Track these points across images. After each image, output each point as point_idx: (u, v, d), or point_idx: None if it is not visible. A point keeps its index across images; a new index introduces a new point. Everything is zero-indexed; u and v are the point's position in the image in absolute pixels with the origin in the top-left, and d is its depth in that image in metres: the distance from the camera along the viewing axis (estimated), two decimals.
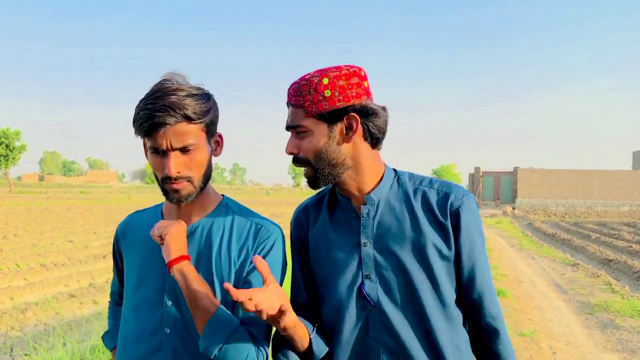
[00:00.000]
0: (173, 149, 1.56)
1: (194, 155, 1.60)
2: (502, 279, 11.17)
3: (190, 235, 1.71)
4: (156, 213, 1.83)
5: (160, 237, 1.61)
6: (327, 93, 1.57)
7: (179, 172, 1.58)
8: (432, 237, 1.63)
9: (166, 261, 1.58)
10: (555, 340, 6.91)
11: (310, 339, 1.66)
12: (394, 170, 1.77)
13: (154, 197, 61.81)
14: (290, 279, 1.88)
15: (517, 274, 12.19)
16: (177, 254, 1.58)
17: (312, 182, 1.67)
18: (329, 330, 1.74)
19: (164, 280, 1.69)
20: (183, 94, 1.56)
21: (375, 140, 1.66)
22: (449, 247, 1.64)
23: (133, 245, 1.82)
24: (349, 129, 1.62)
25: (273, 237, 1.73)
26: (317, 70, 1.62)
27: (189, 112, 1.54)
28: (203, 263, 1.69)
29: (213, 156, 1.73)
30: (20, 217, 26.80)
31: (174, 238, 1.60)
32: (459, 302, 1.69)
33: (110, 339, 2.03)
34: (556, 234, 21.91)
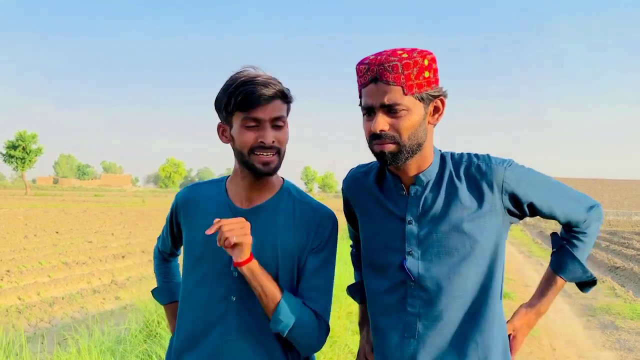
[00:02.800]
0: (269, 121, 1.71)
1: (283, 131, 1.76)
2: (509, 282, 11.49)
3: (254, 214, 1.82)
4: (220, 190, 1.92)
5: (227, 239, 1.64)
6: (427, 74, 1.62)
7: (273, 142, 1.72)
8: (475, 213, 1.69)
9: (236, 261, 1.68)
10: (556, 338, 7.24)
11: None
12: (440, 151, 1.82)
13: (168, 200, 62.42)
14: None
15: (524, 279, 12.50)
16: (247, 255, 1.67)
17: (392, 157, 1.66)
18: (369, 298, 1.86)
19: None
20: (274, 80, 1.73)
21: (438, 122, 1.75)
22: (493, 219, 1.70)
23: (195, 218, 1.90)
24: (436, 111, 1.70)
25: (330, 227, 1.86)
26: (409, 50, 1.63)
27: (284, 92, 1.73)
28: (268, 244, 1.79)
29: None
30: (38, 218, 27.39)
31: (248, 244, 1.67)
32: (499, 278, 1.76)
33: (162, 293, 2.21)
34: None
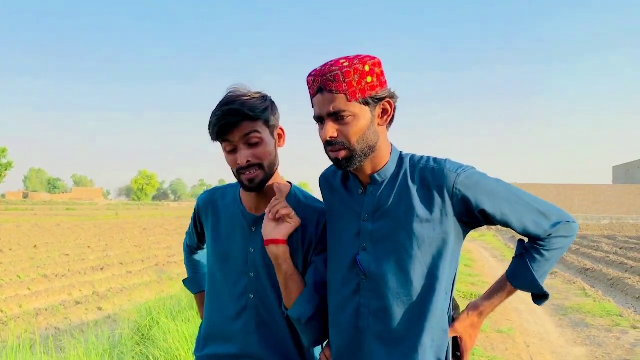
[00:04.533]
0: (240, 142, 1.85)
1: (260, 146, 1.87)
2: (484, 285, 11.79)
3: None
4: (235, 198, 2.10)
5: (276, 216, 1.88)
6: (369, 79, 1.70)
7: (249, 161, 1.85)
8: (423, 215, 1.75)
9: (272, 237, 1.88)
10: (530, 336, 7.54)
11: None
12: (400, 152, 1.89)
13: (141, 213, 61.99)
14: None
15: None
16: (284, 236, 1.88)
17: (348, 162, 1.75)
18: (330, 292, 1.93)
19: (247, 256, 2.00)
20: (243, 99, 1.85)
21: (391, 123, 1.83)
22: (443, 221, 1.75)
23: (215, 220, 2.12)
24: (384, 113, 1.78)
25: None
26: (349, 58, 1.72)
27: (250, 111, 1.83)
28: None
29: (278, 147, 1.99)
30: (11, 232, 27.12)
31: (293, 225, 1.90)
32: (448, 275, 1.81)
33: (192, 284, 2.48)
34: None
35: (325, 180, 2.04)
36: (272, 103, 1.96)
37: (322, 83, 1.70)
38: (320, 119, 1.76)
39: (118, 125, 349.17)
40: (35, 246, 19.56)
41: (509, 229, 1.97)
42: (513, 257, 1.88)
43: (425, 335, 1.76)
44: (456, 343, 1.88)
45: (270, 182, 1.96)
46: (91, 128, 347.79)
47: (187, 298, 7.14)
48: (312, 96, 1.76)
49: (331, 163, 1.89)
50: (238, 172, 1.90)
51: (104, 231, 29.59)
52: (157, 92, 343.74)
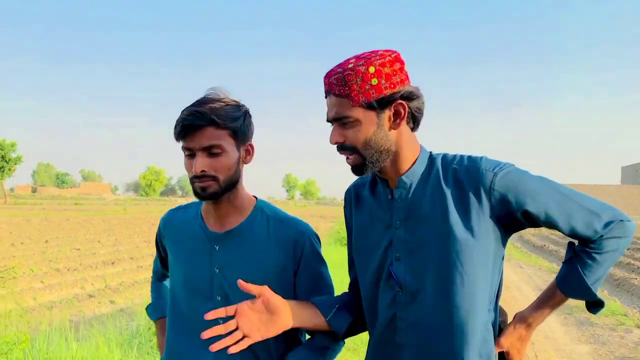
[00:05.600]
0: (199, 149, 1.70)
1: (220, 157, 1.72)
2: None
3: (227, 238, 1.83)
4: (196, 215, 1.94)
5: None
6: (374, 81, 1.56)
7: (203, 170, 1.70)
8: (460, 218, 1.60)
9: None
10: (535, 334, 7.65)
11: (328, 323, 1.77)
12: (430, 152, 1.75)
13: (149, 209, 62.32)
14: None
15: (505, 281, 12.93)
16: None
17: (359, 170, 1.66)
18: (366, 309, 1.81)
19: (212, 277, 1.82)
20: (215, 104, 1.71)
21: (416, 123, 1.68)
22: (481, 225, 1.60)
23: (175, 241, 1.95)
24: (397, 115, 1.61)
25: (307, 243, 1.86)
26: (358, 57, 1.60)
27: (217, 117, 1.69)
28: (246, 266, 1.80)
29: (243, 163, 1.83)
30: (22, 227, 27.39)
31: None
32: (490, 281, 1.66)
33: (154, 310, 2.24)
34: (545, 245, 22.60)
35: (354, 193, 1.89)
36: (247, 115, 1.82)
37: (328, 85, 1.62)
38: (330, 122, 1.68)
39: (126, 121, 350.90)
40: (46, 241, 19.79)
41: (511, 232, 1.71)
42: (563, 262, 1.72)
43: (470, 350, 1.62)
44: (502, 358, 1.74)
45: (232, 198, 1.84)
46: (100, 123, 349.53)
47: None
48: (325, 98, 1.68)
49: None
50: (192, 179, 1.76)
51: (113, 226, 29.86)
52: (166, 88, 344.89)
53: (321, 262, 1.91)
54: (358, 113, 1.58)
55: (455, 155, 1.70)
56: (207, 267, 1.84)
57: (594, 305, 1.70)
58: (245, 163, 1.84)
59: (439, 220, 1.61)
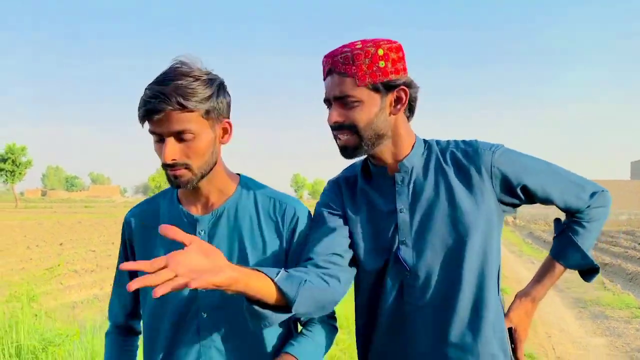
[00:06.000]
0: (168, 135, 1.50)
1: (192, 143, 1.52)
2: (503, 279, 12.01)
3: (214, 219, 1.66)
4: (172, 200, 1.73)
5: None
6: (382, 64, 1.58)
7: (174, 159, 1.52)
8: (466, 197, 1.65)
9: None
10: (551, 327, 7.77)
11: (276, 286, 1.42)
12: (423, 139, 1.78)
13: None
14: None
15: (517, 276, 13.03)
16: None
17: (351, 151, 1.66)
18: (366, 299, 1.78)
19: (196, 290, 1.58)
20: (183, 81, 1.48)
21: (412, 112, 1.72)
22: (485, 203, 1.65)
23: (151, 237, 1.69)
24: (398, 101, 1.64)
25: (297, 213, 1.71)
26: (364, 40, 1.61)
27: (184, 99, 1.47)
28: (236, 249, 1.64)
29: (220, 144, 1.64)
30: (34, 230, 27.63)
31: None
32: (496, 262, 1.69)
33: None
34: None
35: (344, 184, 1.84)
36: (221, 88, 1.60)
37: (332, 64, 1.61)
38: (328, 102, 1.66)
39: (136, 123, 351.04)
40: (61, 243, 20.00)
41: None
42: (554, 238, 1.84)
43: (485, 326, 1.64)
44: (510, 334, 1.76)
45: (212, 177, 1.64)
46: (108, 126, 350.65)
47: None
48: (324, 79, 1.67)
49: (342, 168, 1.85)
50: (163, 166, 1.56)
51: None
52: None
53: None
54: (362, 93, 1.59)
55: (448, 140, 1.77)
56: None
57: (590, 272, 1.82)
58: (223, 143, 1.66)
59: (444, 201, 1.65)
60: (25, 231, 26.53)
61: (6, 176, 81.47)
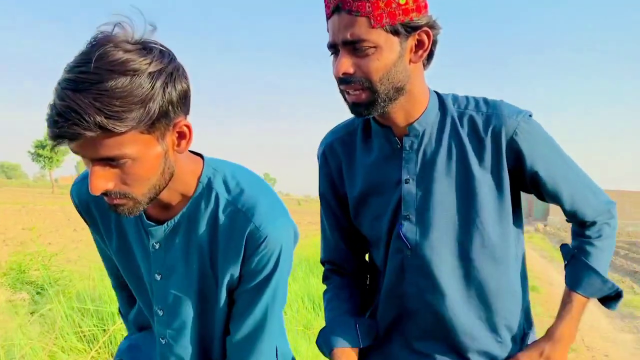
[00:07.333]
0: (93, 161, 1.10)
1: (130, 168, 1.12)
2: (535, 280, 12.38)
3: (172, 230, 1.34)
4: None
5: None
6: (402, 0, 1.28)
7: (108, 188, 1.13)
8: (481, 171, 1.43)
9: None
10: (580, 324, 8.15)
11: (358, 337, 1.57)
12: (437, 93, 1.51)
13: None
14: (322, 236, 1.70)
15: (549, 278, 13.38)
16: None
17: (364, 108, 1.37)
18: (372, 279, 1.71)
19: (151, 286, 1.40)
20: (110, 83, 1.01)
21: (430, 60, 1.43)
22: (501, 180, 1.44)
23: (104, 225, 1.44)
24: (420, 45, 1.36)
25: (271, 247, 1.29)
26: None
27: (111, 121, 1.02)
28: (189, 272, 1.36)
29: (177, 152, 1.22)
30: (75, 213, 28.46)
31: None
32: (514, 239, 1.53)
33: None
34: None
35: (340, 147, 1.59)
36: (170, 82, 1.10)
37: (340, 0, 1.29)
38: (334, 48, 1.35)
39: None
40: None
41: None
42: (565, 266, 1.61)
43: (497, 319, 1.52)
44: None
45: (172, 185, 1.28)
46: None
47: None
48: (328, 17, 1.35)
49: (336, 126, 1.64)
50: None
51: None
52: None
53: (277, 291, 1.35)
54: (379, 37, 1.29)
55: (468, 99, 1.49)
56: (146, 270, 1.39)
57: (612, 299, 1.60)
58: (180, 152, 1.23)
59: (457, 173, 1.45)
60: (68, 215, 27.45)
61: (44, 162, 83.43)
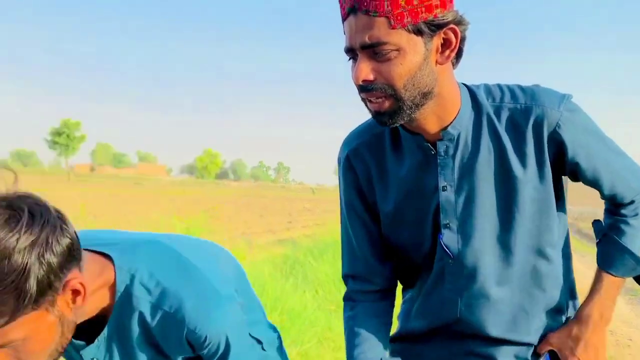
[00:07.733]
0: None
1: (21, 348, 1.03)
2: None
3: (107, 349, 1.26)
4: None
5: None
6: None
7: None
8: (522, 170, 1.33)
9: None
10: None
11: None
12: (467, 88, 1.37)
13: (204, 190, 63.75)
14: (345, 249, 1.58)
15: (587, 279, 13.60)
16: None
17: (389, 117, 1.25)
18: (405, 282, 1.60)
19: None
20: None
21: (459, 58, 1.29)
22: (543, 174, 1.34)
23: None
24: (446, 45, 1.22)
25: (215, 341, 1.22)
26: None
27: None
28: None
29: (72, 313, 1.11)
30: (98, 201, 28.83)
31: None
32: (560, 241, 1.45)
33: None
34: None
35: (367, 154, 1.47)
36: (47, 246, 0.97)
37: (356, 0, 1.16)
38: (351, 52, 1.23)
39: (182, 105, 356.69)
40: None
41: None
42: (597, 243, 1.49)
43: (535, 320, 1.44)
44: (556, 357, 1.48)
45: (87, 312, 1.16)
46: (158, 106, 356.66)
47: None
48: (343, 19, 1.23)
49: (358, 128, 1.51)
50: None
51: (181, 205, 31.10)
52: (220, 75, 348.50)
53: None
54: (401, 38, 1.16)
55: (502, 89, 1.37)
56: None
57: None
58: (77, 308, 1.10)
59: (497, 175, 1.35)
60: (90, 202, 27.77)
61: (60, 149, 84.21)
